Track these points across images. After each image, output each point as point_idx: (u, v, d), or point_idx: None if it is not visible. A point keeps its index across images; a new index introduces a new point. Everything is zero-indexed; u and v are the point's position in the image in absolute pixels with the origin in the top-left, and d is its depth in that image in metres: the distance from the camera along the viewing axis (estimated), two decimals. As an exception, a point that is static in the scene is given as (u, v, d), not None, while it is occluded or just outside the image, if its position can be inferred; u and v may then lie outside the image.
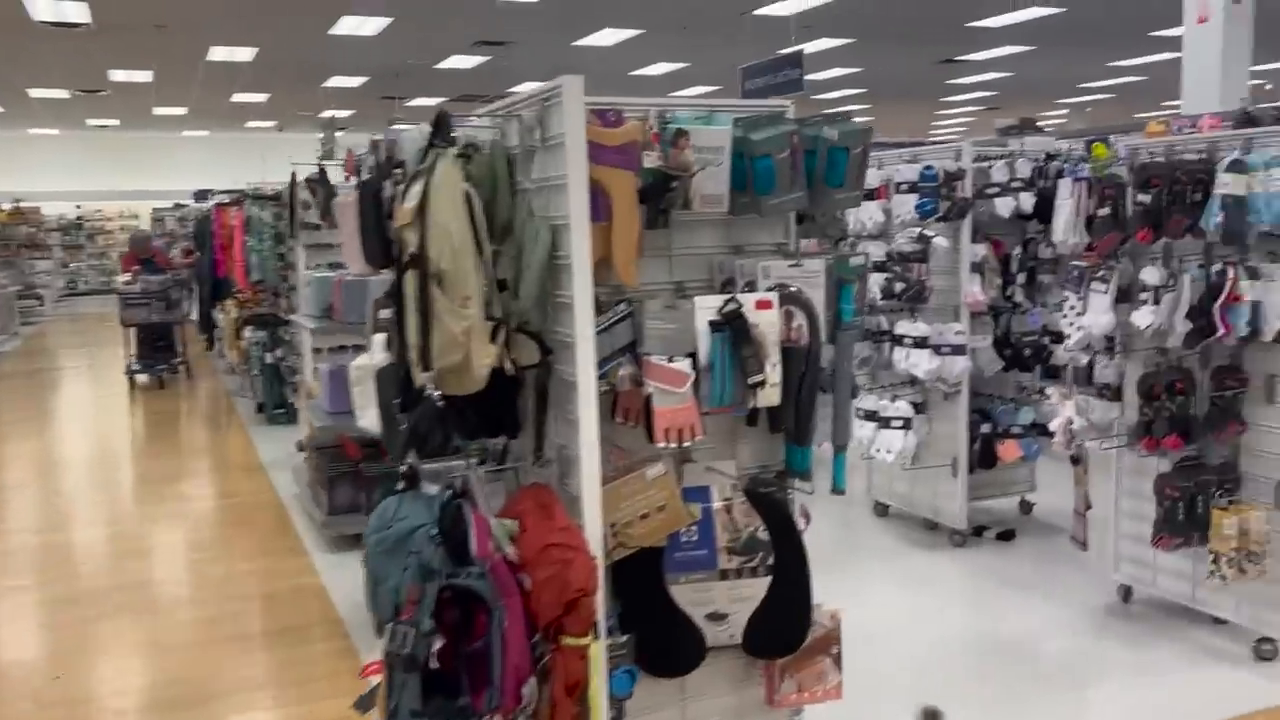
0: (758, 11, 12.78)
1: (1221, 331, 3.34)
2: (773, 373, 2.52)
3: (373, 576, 2.22)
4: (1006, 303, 4.93)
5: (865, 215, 4.86)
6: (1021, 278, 4.89)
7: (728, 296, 2.49)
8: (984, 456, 4.91)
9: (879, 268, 4.79)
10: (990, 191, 4.74)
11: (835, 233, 5.84)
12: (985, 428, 4.92)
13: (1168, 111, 18.15)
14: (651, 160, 2.39)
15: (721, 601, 2.65)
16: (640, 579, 2.58)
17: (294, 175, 6.44)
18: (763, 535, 2.67)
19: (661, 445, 2.44)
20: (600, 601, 2.34)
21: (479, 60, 15.65)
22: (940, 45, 15.67)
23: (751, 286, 2.62)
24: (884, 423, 4.81)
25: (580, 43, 14.70)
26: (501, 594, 2.17)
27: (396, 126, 2.47)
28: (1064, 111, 24.45)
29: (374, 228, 2.57)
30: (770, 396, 2.53)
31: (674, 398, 2.44)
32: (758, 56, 11.75)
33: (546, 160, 2.40)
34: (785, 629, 2.70)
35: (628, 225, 2.35)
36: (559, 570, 2.21)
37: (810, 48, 15.25)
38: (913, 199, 4.73)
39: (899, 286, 4.67)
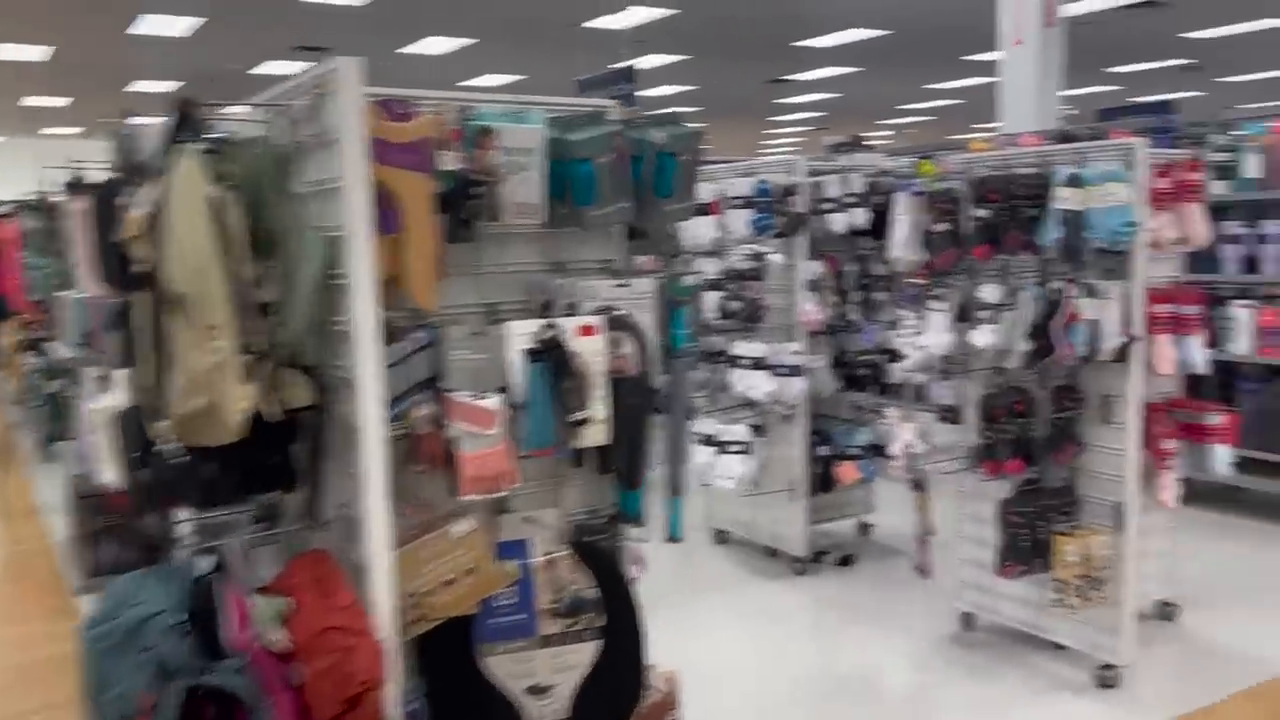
0: (590, 24, 12.57)
1: (1061, 352, 3.24)
2: (599, 408, 2.20)
3: (92, 683, 1.76)
4: (842, 321, 4.80)
5: (699, 231, 4.63)
6: (857, 295, 4.77)
7: (545, 321, 2.16)
8: (823, 480, 4.75)
9: (714, 286, 4.57)
10: (825, 207, 4.59)
11: (670, 249, 5.62)
12: (824, 450, 4.76)
13: (980, 135, 19.06)
14: (451, 162, 2.03)
15: (544, 672, 2.30)
16: (448, 652, 2.21)
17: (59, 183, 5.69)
18: (590, 593, 2.33)
19: (469, 497, 2.08)
20: (392, 692, 1.95)
21: (298, 67, 14.84)
22: (769, 64, 15.90)
23: (574, 309, 2.30)
24: (722, 448, 4.58)
25: (406, 50, 14.12)
26: (266, 692, 1.75)
27: (135, 120, 2.01)
28: (887, 132, 25.42)
29: (110, 242, 2.10)
30: (596, 435, 2.21)
31: (483, 441, 2.08)
32: (593, 70, 11.51)
33: (322, 160, 2.00)
34: (616, 699, 2.37)
35: (422, 238, 1.98)
36: (339, 659, 1.81)
37: (644, 63, 15.18)
38: (747, 214, 4.52)
39: (735, 306, 4.46)
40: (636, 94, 18.28)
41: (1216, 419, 3.73)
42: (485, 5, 11.60)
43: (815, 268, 4.59)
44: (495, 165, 2.09)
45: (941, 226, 3.59)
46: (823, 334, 4.76)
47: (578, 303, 2.28)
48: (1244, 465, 4.95)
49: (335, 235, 1.94)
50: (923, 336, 3.69)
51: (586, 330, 2.19)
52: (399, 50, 14.03)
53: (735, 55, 15.02)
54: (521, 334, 2.12)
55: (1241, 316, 5.18)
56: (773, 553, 4.89)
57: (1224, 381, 5.47)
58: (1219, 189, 5.24)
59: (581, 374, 2.16)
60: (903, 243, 3.77)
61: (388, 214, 1.94)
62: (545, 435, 2.14)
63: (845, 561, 4.84)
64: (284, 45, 13.36)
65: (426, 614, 2.09)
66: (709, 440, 4.65)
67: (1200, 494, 5.34)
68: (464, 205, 2.06)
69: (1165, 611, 4.02)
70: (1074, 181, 3.20)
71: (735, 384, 4.55)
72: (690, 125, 2.32)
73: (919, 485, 3.83)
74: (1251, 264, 5.20)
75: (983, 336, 3.43)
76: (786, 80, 17.48)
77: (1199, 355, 3.54)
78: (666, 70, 16.02)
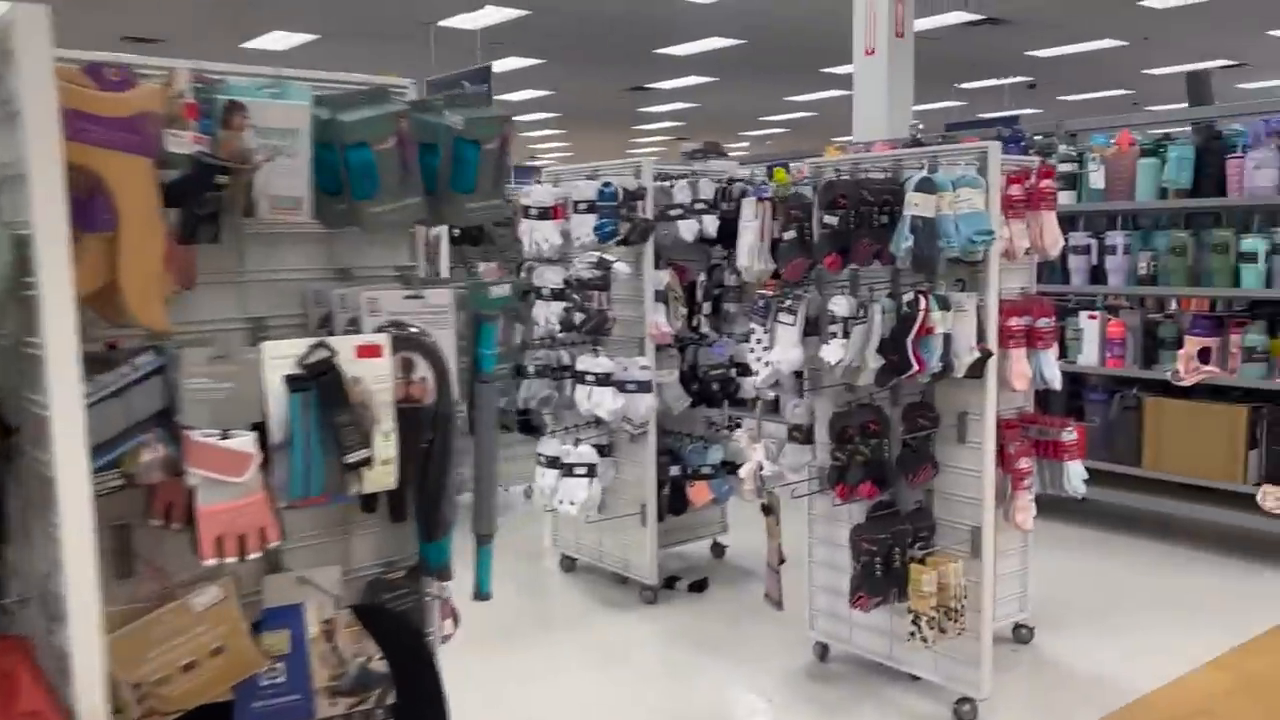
0: (443, 23, 12.09)
1: (915, 368, 3.04)
2: (384, 445, 1.83)
3: None
4: (693, 334, 4.55)
5: (540, 236, 4.29)
6: (707, 306, 4.52)
7: (313, 341, 1.78)
8: (674, 501, 4.48)
9: (558, 296, 4.24)
10: (673, 213, 4.33)
11: (509, 256, 5.26)
12: (675, 469, 4.49)
13: (836, 143, 19.38)
14: (184, 144, 1.63)
15: (322, 763, 1.91)
16: (196, 746, 1.79)
17: None
18: (379, 665, 1.96)
19: (212, 561, 1.68)
20: (95, 819, 1.53)
21: (130, 59, 13.81)
22: (630, 71, 15.72)
23: (357, 326, 1.92)
24: (567, 470, 4.25)
25: (248, 45, 13.32)
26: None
27: None
28: (745, 144, 25.67)
29: None
30: (381, 478, 1.83)
31: (230, 490, 1.68)
32: (446, 71, 11.05)
33: (5, 138, 1.57)
34: (412, 790, 2.00)
35: (141, 237, 1.58)
36: (13, 787, 1.39)
37: (501, 66, 14.77)
38: (592, 219, 4.22)
39: (579, 317, 4.14)
40: (495, 98, 17.85)
41: (1071, 435, 3.62)
42: (329, -2, 11.01)
43: (663, 277, 4.32)
44: (246, 149, 1.71)
45: (789, 234, 3.35)
46: (672, 347, 4.50)
47: (360, 317, 1.91)
48: (1090, 477, 4.92)
49: (22, 234, 1.52)
50: (771, 351, 3.45)
51: (367, 351, 1.82)
52: (242, 45, 13.22)
53: (594, 60, 14.78)
54: (280, 356, 1.73)
55: (1089, 327, 5.18)
56: (622, 580, 4.59)
57: (1072, 393, 5.47)
58: (1065, 199, 5.23)
59: (361, 404, 1.79)
60: (750, 251, 3.53)
61: (93, 206, 1.53)
62: (313, 481, 1.76)
63: (698, 587, 4.58)
64: (113, 35, 12.38)
65: (158, 708, 1.67)
66: (553, 462, 4.31)
67: (1047, 506, 5.30)
68: (203, 198, 1.66)
69: (1021, 635, 3.89)
70: (926, 186, 3.00)
71: (580, 402, 4.22)
72: (495, 109, 1.98)
73: (769, 509, 3.59)
74: (1096, 274, 5.21)
75: (832, 352, 3.20)
76: (648, 88, 17.36)
77: (1053, 369, 3.41)
78: (524, 74, 15.66)
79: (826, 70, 15.16)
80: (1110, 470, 5.15)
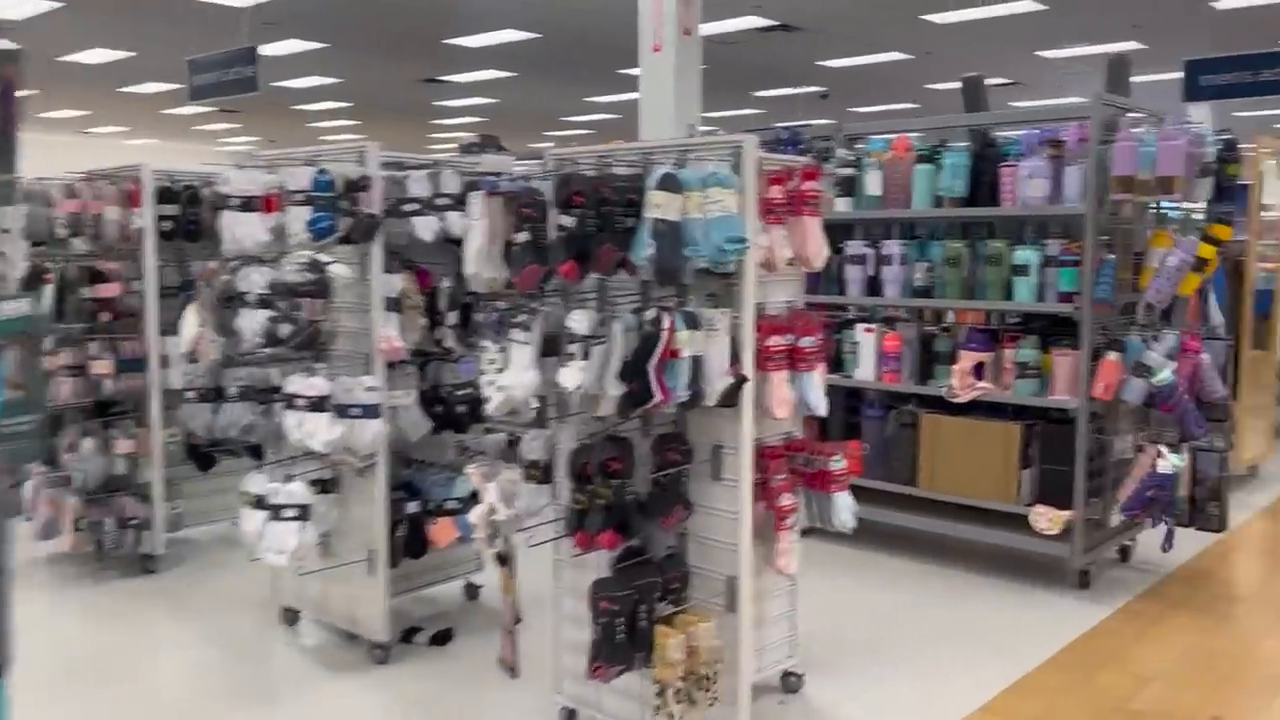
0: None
1: (658, 397, 2.58)
2: None
3: None
4: (436, 348, 3.97)
5: (243, 231, 3.60)
6: (453, 317, 3.95)
7: None
8: (412, 543, 3.88)
9: (264, 304, 3.56)
10: (408, 209, 3.74)
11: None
12: (413, 506, 3.90)
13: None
14: None
15: None
16: None
17: None
18: None
19: None
20: None
21: None
22: (421, 62, 14.91)
23: None
24: (275, 512, 3.57)
25: (-26, 10, 11.70)
26: None
27: None
28: (550, 144, 25.18)
29: None
30: None
31: None
32: (208, 50, 9.94)
33: None
34: None
35: None
36: None
37: (279, 49, 13.66)
38: (307, 213, 3.57)
39: (285, 329, 3.48)
40: (273, 85, 16.59)
41: (840, 463, 3.27)
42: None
43: (396, 283, 3.72)
44: None
45: (521, 236, 2.84)
46: (410, 364, 3.90)
47: None
48: (868, 496, 4.67)
49: None
50: (505, 374, 2.92)
51: None
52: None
53: (381, 48, 13.89)
54: None
55: (865, 341, 4.94)
56: (351, 637, 3.95)
57: (851, 408, 5.23)
58: (843, 206, 4.98)
59: None
60: (478, 255, 2.99)
61: None
62: None
63: (441, 639, 3.99)
64: None
65: None
66: (258, 502, 3.62)
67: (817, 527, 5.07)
68: None
69: (789, 683, 3.52)
70: (669, 185, 2.55)
71: (290, 430, 3.56)
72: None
73: (504, 560, 3.06)
74: (873, 285, 4.98)
75: (570, 376, 2.71)
76: (442, 80, 16.56)
77: (818, 394, 3.04)
78: (307, 59, 14.56)
79: (623, 71, 14.85)
80: (886, 490, 4.93)
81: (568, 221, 2.71)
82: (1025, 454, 4.55)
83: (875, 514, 4.94)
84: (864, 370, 4.95)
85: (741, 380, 2.68)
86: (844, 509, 3.27)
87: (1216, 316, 5.99)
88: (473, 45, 13.57)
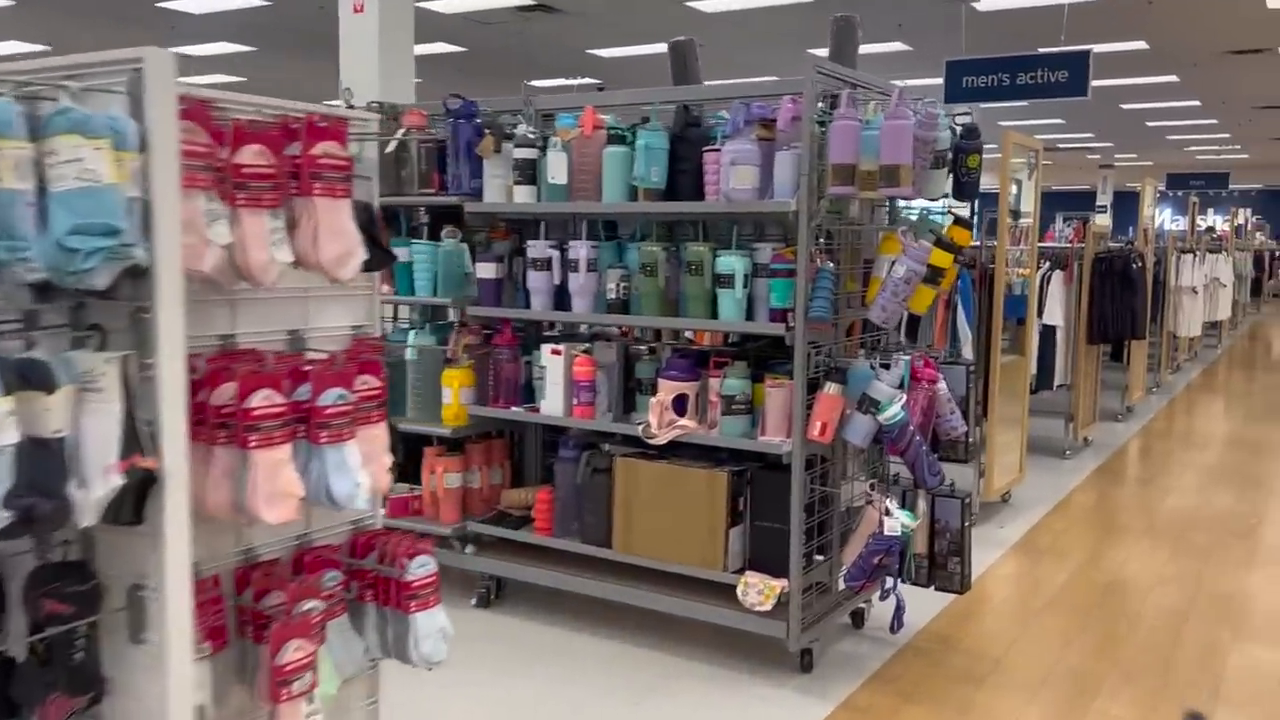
0: None
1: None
2: None
3: None
4: None
5: None
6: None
7: None
8: None
9: None
10: None
11: None
12: None
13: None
14: None
15: None
16: None
17: None
18: None
19: None
20: None
21: None
22: (138, 29, 13.01)
23: None
24: None
25: None
26: None
27: None
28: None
29: None
30: None
31: None
32: None
33: None
34: None
35: None
36: None
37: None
38: None
39: None
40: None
41: (423, 569, 2.22)
42: None
43: None
44: None
45: None
46: None
47: None
48: (559, 559, 3.67)
49: None
50: None
51: None
52: None
53: (87, 11, 11.94)
54: None
55: (552, 366, 3.93)
56: None
57: (550, 444, 4.23)
58: (523, 196, 3.96)
59: None
60: None
61: None
62: None
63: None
64: None
65: None
66: None
67: (512, 594, 4.04)
68: None
69: None
70: None
71: None
72: None
73: None
74: (562, 297, 3.99)
75: None
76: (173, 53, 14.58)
77: (349, 482, 1.96)
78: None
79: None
80: (580, 553, 3.96)
81: None
82: (735, 508, 3.67)
83: (570, 581, 3.96)
84: (552, 402, 3.96)
85: (145, 477, 1.57)
86: (428, 636, 2.23)
87: (966, 332, 5.38)
88: (195, 11, 11.85)
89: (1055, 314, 7.03)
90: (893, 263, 3.40)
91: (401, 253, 4.25)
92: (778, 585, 3.52)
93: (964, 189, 3.81)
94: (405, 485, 4.39)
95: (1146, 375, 10.33)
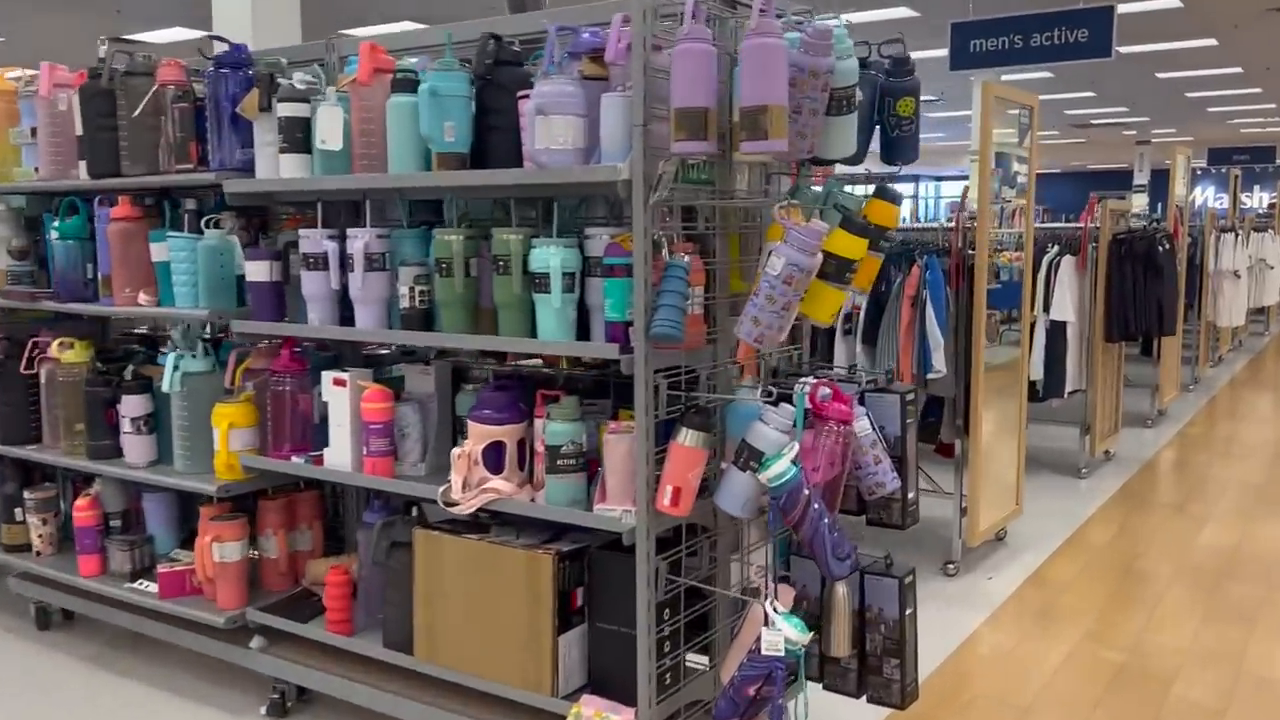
0: None
1: None
2: None
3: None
4: None
5: None
6: None
7: None
8: None
9: None
10: None
11: None
12: None
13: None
14: None
15: None
16: None
17: None
18: None
19: None
20: None
21: None
22: None
23: None
24: None
25: None
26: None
27: None
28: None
29: None
30: None
31: None
32: None
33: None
34: None
35: None
36: None
37: None
38: None
39: None
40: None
41: None
42: None
43: None
44: None
45: None
46: None
47: None
48: (358, 664, 2.65)
49: None
50: None
51: None
52: None
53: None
54: None
55: (336, 402, 2.90)
56: None
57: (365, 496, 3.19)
58: (292, 168, 2.90)
59: None
60: None
61: None
62: None
63: None
64: None
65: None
66: None
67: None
68: None
69: None
70: None
71: None
72: None
73: None
74: (345, 307, 2.93)
75: None
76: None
77: None
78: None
79: None
80: (376, 659, 2.92)
81: None
82: (568, 604, 2.61)
83: (370, 695, 2.92)
84: (337, 451, 2.91)
85: None
86: None
87: (938, 337, 4.26)
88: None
89: (1065, 307, 5.87)
90: (769, 254, 2.30)
91: (158, 249, 3.23)
92: (623, 717, 2.45)
93: (897, 147, 2.71)
94: (187, 554, 3.39)
95: (1182, 370, 9.09)
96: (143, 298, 3.27)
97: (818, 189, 2.68)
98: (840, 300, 2.48)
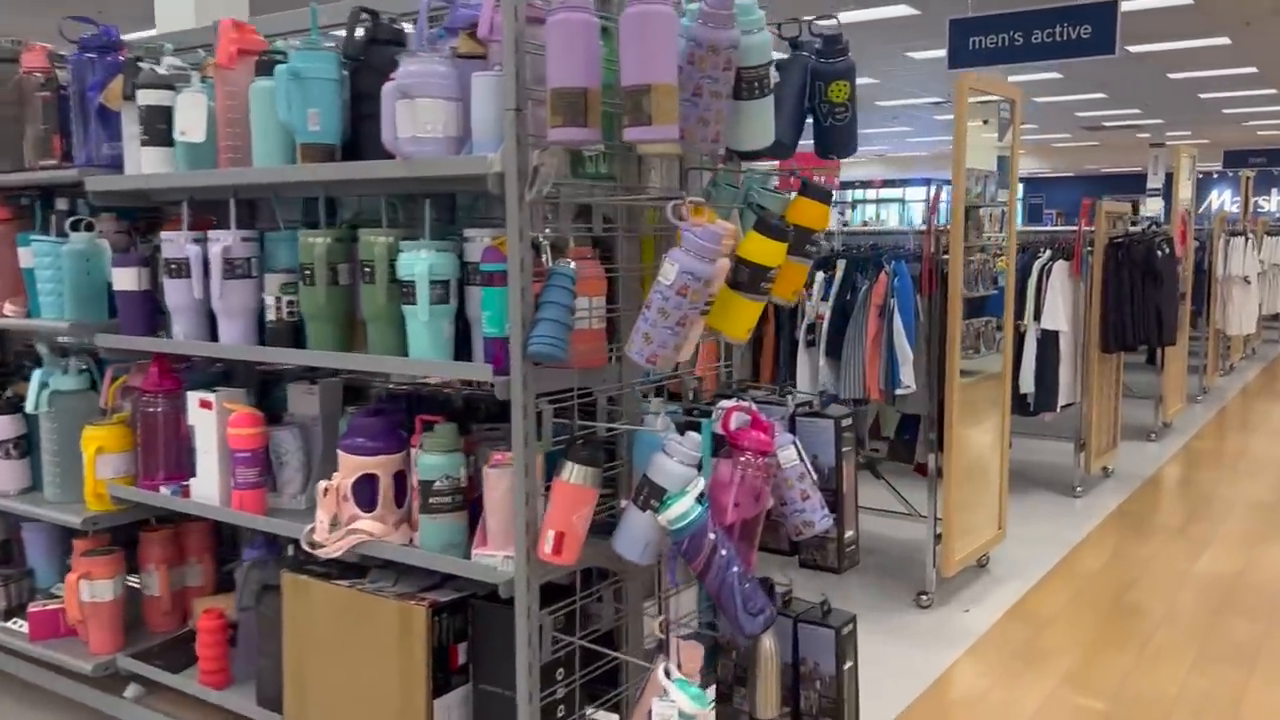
0: None
1: None
2: None
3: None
4: None
5: None
6: None
7: None
8: None
9: None
10: None
11: None
12: None
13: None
14: None
15: None
16: None
17: None
18: None
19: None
20: None
21: None
22: None
23: None
24: None
25: None
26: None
27: None
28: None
29: None
30: None
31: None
32: None
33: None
34: None
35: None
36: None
37: None
38: None
39: None
40: None
41: None
42: None
43: None
44: None
45: None
46: None
47: None
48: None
49: None
50: None
51: None
52: None
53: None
54: None
55: (202, 426, 2.58)
56: None
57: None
58: (154, 163, 2.59)
59: None
60: None
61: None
62: None
63: None
64: None
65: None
66: None
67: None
68: None
69: None
70: None
71: None
72: None
73: None
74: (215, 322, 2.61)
75: None
76: None
77: None
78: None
79: None
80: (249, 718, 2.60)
81: None
82: (447, 662, 2.27)
83: (237, 753, 2.59)
84: (204, 481, 2.59)
85: None
86: None
87: (906, 350, 3.91)
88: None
89: (1058, 316, 5.51)
90: (665, 261, 1.96)
91: (24, 254, 2.91)
92: (502, 796, 2.12)
93: (832, 137, 2.37)
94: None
95: (1189, 380, 8.69)
96: (8, 308, 2.96)
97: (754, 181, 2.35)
98: (756, 313, 2.14)
